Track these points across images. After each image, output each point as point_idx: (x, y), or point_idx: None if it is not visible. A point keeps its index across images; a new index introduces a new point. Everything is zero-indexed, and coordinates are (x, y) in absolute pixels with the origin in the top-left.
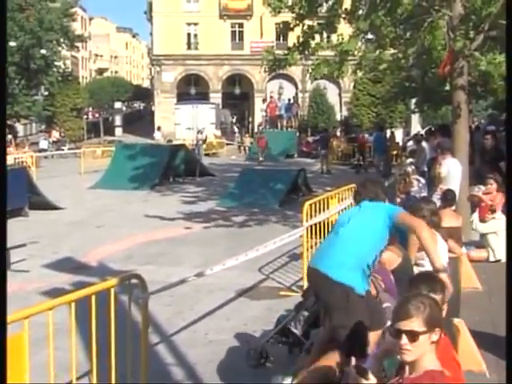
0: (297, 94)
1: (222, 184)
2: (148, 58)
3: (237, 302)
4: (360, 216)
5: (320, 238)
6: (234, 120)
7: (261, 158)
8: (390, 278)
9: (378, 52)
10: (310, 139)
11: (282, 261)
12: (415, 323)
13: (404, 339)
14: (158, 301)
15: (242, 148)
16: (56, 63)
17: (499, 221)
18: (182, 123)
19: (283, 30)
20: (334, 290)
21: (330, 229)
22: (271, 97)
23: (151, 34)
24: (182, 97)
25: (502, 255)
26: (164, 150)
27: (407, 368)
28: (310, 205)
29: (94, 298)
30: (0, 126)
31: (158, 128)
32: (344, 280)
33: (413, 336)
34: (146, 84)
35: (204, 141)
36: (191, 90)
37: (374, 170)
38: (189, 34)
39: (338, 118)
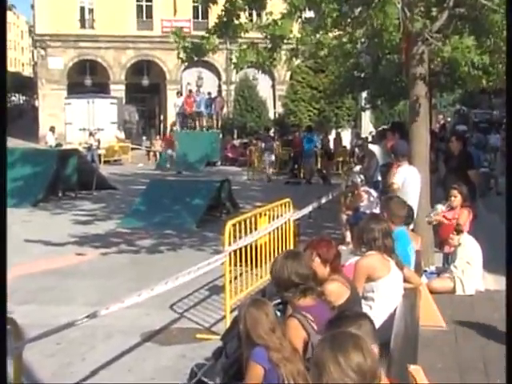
0: (220, 85)
1: (126, 199)
2: (29, 39)
3: (142, 348)
4: None
5: (246, 265)
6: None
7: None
8: (327, 317)
9: (318, 35)
10: (237, 142)
11: (199, 295)
12: None
13: None
14: (39, 350)
15: (152, 154)
16: None
17: (468, 247)
18: (74, 122)
19: (202, 6)
20: None
21: (257, 254)
22: (189, 90)
23: (32, 6)
24: (75, 89)
25: (472, 289)
26: (51, 157)
27: None
28: (234, 225)
29: None
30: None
31: (51, 129)
32: None
33: None
34: (28, 72)
35: (97, 145)
36: (86, 79)
37: (320, 180)
38: (82, 9)
39: (272, 115)
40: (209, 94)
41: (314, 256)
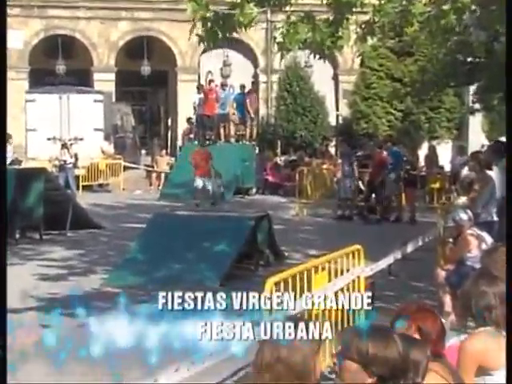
0: (256, 75)
1: (116, 243)
2: None
3: None
4: None
5: None
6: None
7: (197, 201)
8: None
9: (405, 1)
10: (281, 160)
11: None
12: None
13: None
14: None
15: (155, 176)
16: None
17: None
18: (39, 128)
19: None
20: None
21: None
22: (210, 81)
23: None
24: (41, 78)
25: None
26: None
27: None
28: (277, 284)
29: None
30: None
31: (7, 138)
32: None
33: None
34: None
35: (74, 163)
36: (58, 65)
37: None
38: None
39: (333, 120)
40: (241, 88)
41: (412, 330)
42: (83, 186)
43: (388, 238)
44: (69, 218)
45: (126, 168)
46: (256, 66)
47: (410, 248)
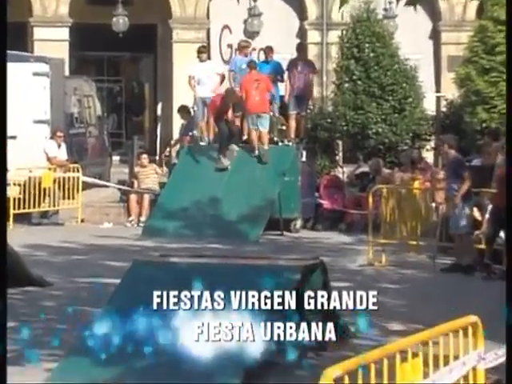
0: (303, 33)
1: (67, 313)
2: None
3: None
4: None
5: None
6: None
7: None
8: None
9: None
10: (344, 173)
11: None
12: None
13: None
14: None
15: (135, 199)
16: None
17: None
18: None
19: None
20: None
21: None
22: (228, 47)
23: None
24: None
25: None
26: None
27: None
28: (340, 378)
29: None
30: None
31: None
32: None
33: None
34: None
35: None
36: None
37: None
38: None
39: (432, 107)
40: (267, 51)
41: None
42: (16, 216)
43: None
44: None
45: (87, 186)
46: (303, 17)
47: None
